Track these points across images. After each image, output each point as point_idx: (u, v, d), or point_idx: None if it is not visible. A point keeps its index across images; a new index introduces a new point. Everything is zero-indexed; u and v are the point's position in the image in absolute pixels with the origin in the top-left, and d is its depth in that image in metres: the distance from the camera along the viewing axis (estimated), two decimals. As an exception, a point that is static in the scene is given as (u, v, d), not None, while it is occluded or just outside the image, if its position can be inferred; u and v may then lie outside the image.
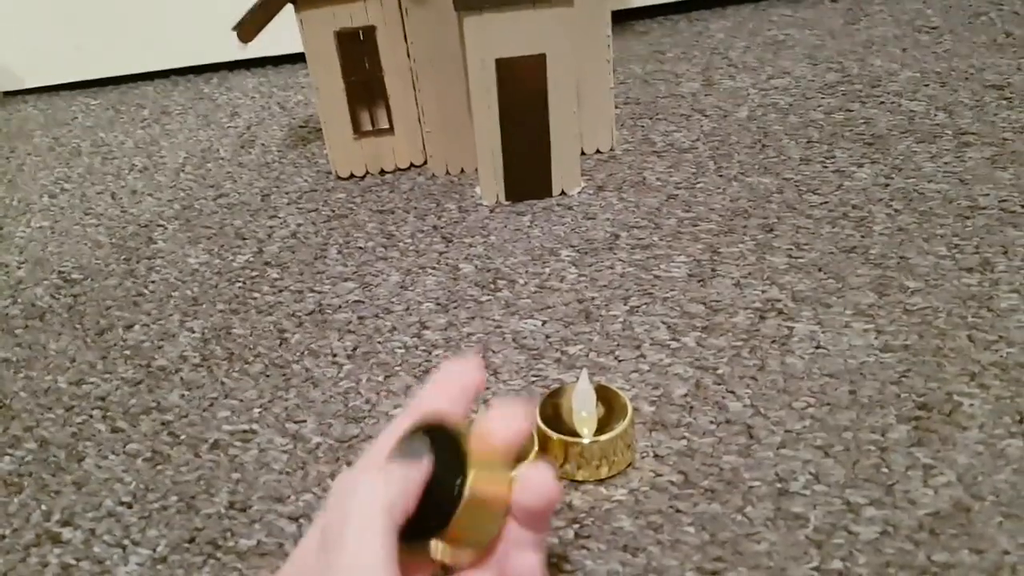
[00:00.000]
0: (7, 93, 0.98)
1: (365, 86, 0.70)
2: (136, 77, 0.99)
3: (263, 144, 0.80)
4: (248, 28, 0.65)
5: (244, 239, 0.65)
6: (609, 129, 0.72)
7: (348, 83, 0.69)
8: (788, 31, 0.92)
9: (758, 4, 1.00)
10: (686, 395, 0.46)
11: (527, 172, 0.66)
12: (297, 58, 0.99)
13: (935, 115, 0.70)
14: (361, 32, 0.67)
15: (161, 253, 0.65)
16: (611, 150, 0.72)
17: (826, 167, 0.66)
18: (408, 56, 0.68)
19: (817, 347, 0.48)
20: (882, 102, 0.74)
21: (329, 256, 0.62)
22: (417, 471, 0.26)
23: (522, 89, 0.62)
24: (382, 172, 0.73)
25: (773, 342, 0.49)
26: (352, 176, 0.73)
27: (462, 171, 0.72)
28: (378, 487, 0.25)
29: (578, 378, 0.42)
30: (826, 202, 0.61)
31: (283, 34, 0.69)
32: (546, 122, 0.64)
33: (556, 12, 0.60)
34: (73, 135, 0.87)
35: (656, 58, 0.90)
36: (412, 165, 0.73)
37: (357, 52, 0.68)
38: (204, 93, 0.94)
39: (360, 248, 0.63)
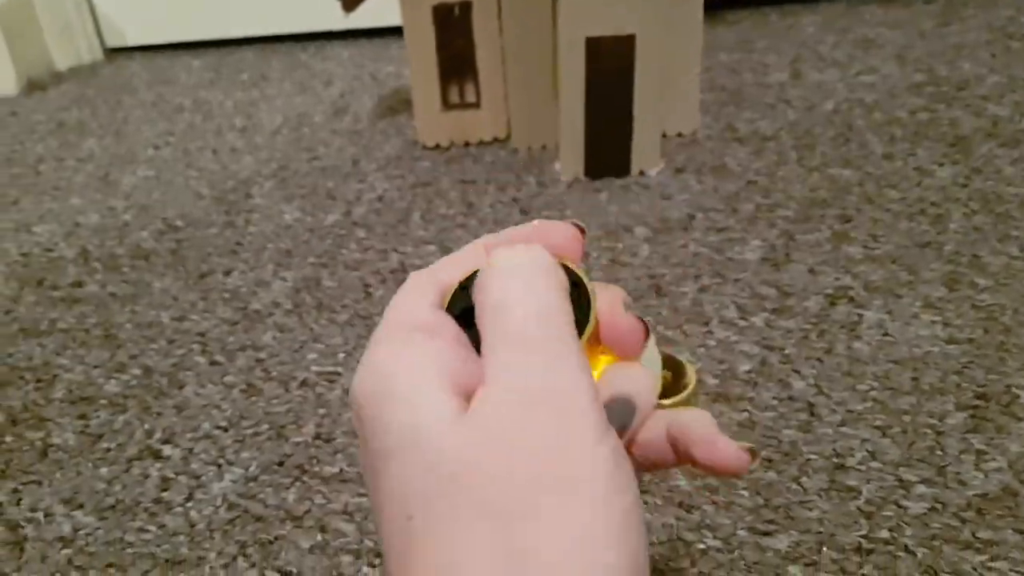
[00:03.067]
0: (113, 50, 1.03)
1: (456, 60, 0.72)
2: (237, 42, 1.03)
3: (355, 112, 0.84)
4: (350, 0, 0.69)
5: (334, 199, 0.69)
6: (692, 113, 0.73)
7: (441, 57, 0.71)
8: (879, 30, 0.91)
9: (851, 1, 1.00)
10: (751, 371, 0.48)
11: (607, 150, 0.68)
12: (390, 32, 1.03)
13: (1020, 120, 0.70)
14: (457, 8, 0.70)
15: (258, 207, 0.69)
16: (693, 134, 0.74)
17: (907, 164, 0.66)
18: (500, 34, 0.70)
19: (884, 335, 0.49)
20: (968, 105, 0.74)
21: (412, 220, 0.65)
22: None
23: (609, 68, 0.64)
24: (467, 144, 0.76)
25: (842, 327, 0.50)
26: (438, 147, 0.75)
27: (544, 148, 0.74)
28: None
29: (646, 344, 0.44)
30: (904, 198, 0.62)
31: (379, 7, 0.72)
32: (630, 102, 0.66)
33: (650, -3, 0.62)
34: (176, 92, 0.92)
35: (744, 48, 0.91)
36: (496, 139, 0.76)
37: (452, 27, 0.71)
38: (301, 61, 0.98)
39: (441, 215, 0.66)
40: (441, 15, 0.70)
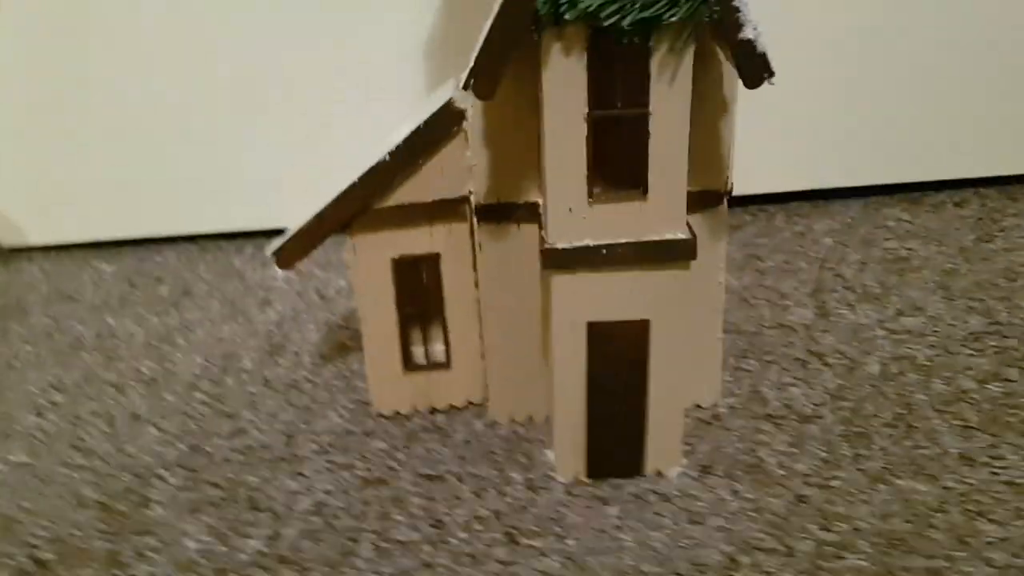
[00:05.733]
0: (12, 250, 0.87)
1: (420, 313, 0.58)
2: (159, 241, 0.88)
3: (295, 352, 0.68)
4: (288, 256, 0.54)
5: (258, 510, 0.52)
6: (713, 384, 0.59)
7: (401, 315, 0.57)
8: (910, 245, 0.79)
9: (867, 201, 0.88)
10: None
11: (615, 447, 0.53)
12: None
13: (1125, 403, 0.56)
14: (422, 260, 0.56)
15: (155, 527, 0.52)
16: (714, 407, 0.59)
17: (995, 474, 0.52)
18: (475, 287, 0.56)
19: None
20: (1045, 370, 0.61)
21: (360, 554, 0.49)
22: None
23: (617, 356, 0.50)
24: (433, 411, 0.60)
25: None
26: (397, 414, 0.60)
27: (530, 419, 0.59)
28: None
29: None
30: (1006, 538, 0.47)
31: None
32: (643, 393, 0.51)
33: (666, 275, 0.47)
34: (77, 315, 0.76)
35: (754, 266, 0.77)
36: (469, 403, 0.61)
37: (414, 279, 0.56)
38: (234, 268, 0.82)
39: (399, 543, 0.49)
40: (402, 268, 0.56)
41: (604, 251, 0.46)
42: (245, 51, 0.78)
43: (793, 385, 0.61)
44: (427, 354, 0.59)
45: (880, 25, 0.79)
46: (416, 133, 0.51)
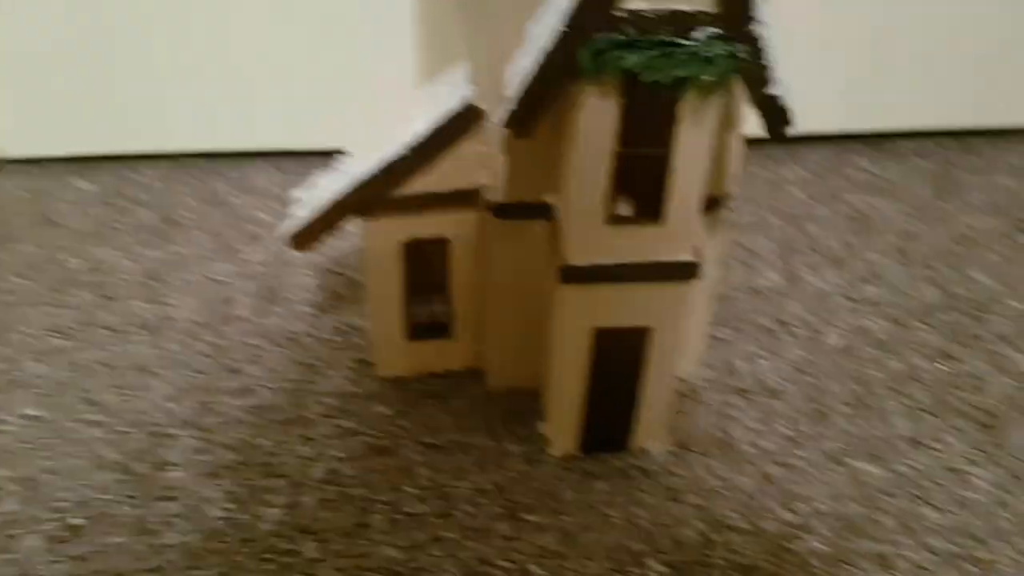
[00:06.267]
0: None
1: (424, 287, 0.60)
2: (138, 158, 0.86)
3: (289, 298, 0.70)
4: (304, 240, 0.55)
5: (274, 476, 0.56)
6: (695, 360, 0.64)
7: (407, 290, 0.59)
8: (873, 200, 0.83)
9: (835, 148, 0.91)
10: None
11: (606, 427, 0.58)
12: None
13: (1053, 390, 0.63)
14: (430, 242, 0.58)
15: (176, 490, 0.55)
16: (692, 378, 0.64)
17: (939, 459, 0.59)
18: (480, 270, 0.58)
19: None
20: (989, 348, 0.67)
21: (373, 524, 0.54)
22: None
23: (618, 354, 0.54)
24: (432, 375, 0.64)
25: None
26: (398, 379, 0.63)
27: (525, 389, 0.63)
28: None
29: None
30: (944, 525, 0.54)
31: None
32: (639, 384, 0.56)
33: (672, 289, 0.51)
34: (64, 245, 0.75)
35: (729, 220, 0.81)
36: (467, 368, 0.64)
37: (421, 258, 0.58)
38: (217, 195, 0.82)
39: (409, 515, 0.54)
40: (411, 248, 0.58)
41: (617, 269, 0.49)
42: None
43: (762, 357, 0.66)
44: (430, 324, 0.62)
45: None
46: (435, 131, 0.52)
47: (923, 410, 0.62)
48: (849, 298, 0.72)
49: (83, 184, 0.82)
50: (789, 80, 0.43)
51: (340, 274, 0.72)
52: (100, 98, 0.80)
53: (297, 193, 0.58)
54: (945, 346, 0.67)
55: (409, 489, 0.56)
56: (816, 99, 0.87)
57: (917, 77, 0.87)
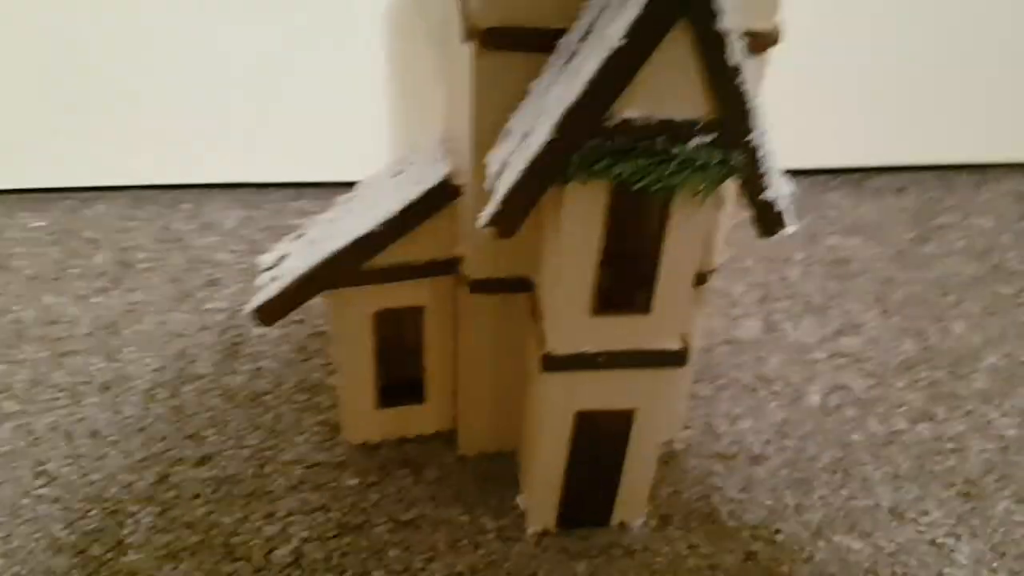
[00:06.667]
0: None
1: (397, 354, 0.58)
2: (87, 189, 0.82)
3: (252, 352, 0.67)
4: (270, 315, 0.52)
5: (237, 560, 0.54)
6: (675, 419, 0.62)
7: (378, 357, 0.57)
8: (851, 242, 0.82)
9: (813, 182, 0.90)
10: None
11: (586, 502, 0.56)
12: (299, 186, 0.84)
13: (1035, 460, 0.63)
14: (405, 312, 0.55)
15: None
16: (672, 442, 0.63)
17: (920, 532, 0.58)
18: (455, 337, 0.56)
19: None
20: (969, 411, 0.66)
21: (346, 613, 0.51)
22: None
23: (600, 434, 0.52)
24: (402, 440, 0.61)
25: None
26: (366, 444, 0.61)
27: (499, 454, 0.61)
28: None
29: None
30: (929, 607, 0.53)
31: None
32: (621, 460, 0.54)
33: (658, 374, 0.49)
34: (13, 292, 0.71)
35: (706, 260, 0.79)
36: (438, 433, 0.62)
37: (394, 322, 0.56)
38: (172, 233, 0.78)
39: (383, 602, 0.52)
40: (383, 319, 0.55)
41: (601, 357, 0.47)
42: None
43: (743, 418, 0.65)
44: (401, 390, 0.59)
45: (833, 12, 0.79)
46: (411, 206, 0.49)
47: (904, 477, 0.61)
48: (829, 351, 0.70)
49: (34, 221, 0.78)
50: (783, 184, 0.41)
51: (301, 322, 0.70)
52: (53, 129, 0.76)
53: (264, 259, 0.55)
54: (925, 406, 0.66)
55: (378, 574, 0.53)
56: (795, 134, 0.86)
57: (896, 113, 0.86)
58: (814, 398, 0.66)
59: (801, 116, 0.84)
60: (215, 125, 0.77)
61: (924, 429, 0.64)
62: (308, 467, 0.59)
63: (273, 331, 0.69)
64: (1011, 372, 0.69)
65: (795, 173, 0.89)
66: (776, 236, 0.42)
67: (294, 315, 0.67)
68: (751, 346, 0.71)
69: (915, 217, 0.86)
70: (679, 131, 0.37)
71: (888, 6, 0.79)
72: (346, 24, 0.74)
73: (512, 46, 0.42)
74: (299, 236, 0.55)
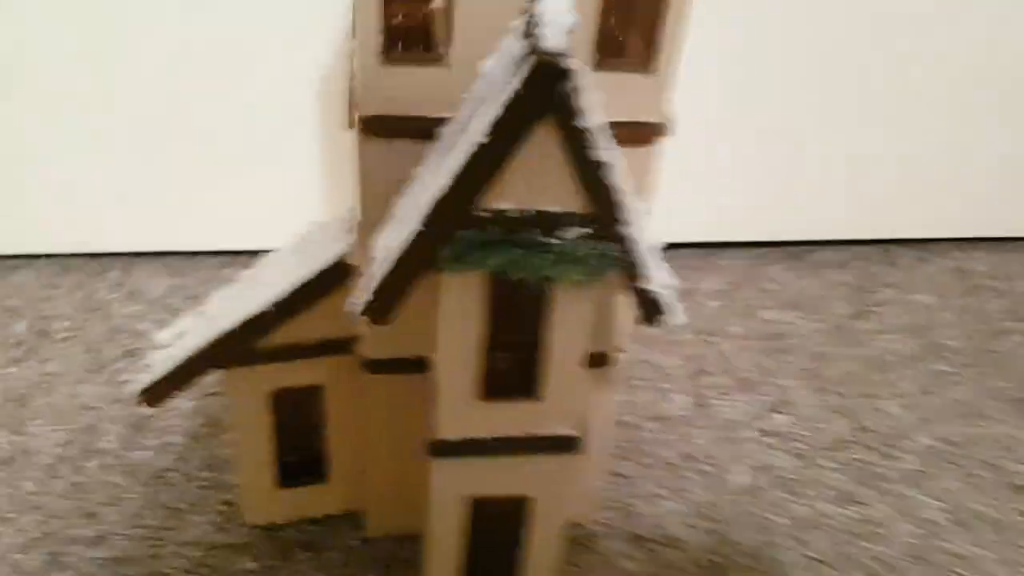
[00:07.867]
0: None
1: (297, 434, 0.56)
2: (15, 256, 0.81)
3: (160, 426, 0.65)
4: (157, 395, 0.50)
5: (121, 650, 0.51)
6: (594, 500, 0.60)
7: (277, 437, 0.55)
8: (788, 316, 0.81)
9: (754, 255, 0.89)
10: None
11: (489, 592, 0.54)
12: (223, 253, 0.83)
13: (958, 538, 0.61)
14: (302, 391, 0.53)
15: (8, 670, 0.50)
16: (590, 523, 0.61)
17: (839, 628, 0.56)
18: (357, 415, 0.54)
19: None
20: (895, 491, 0.65)
21: None
22: None
23: (497, 522, 0.50)
24: (305, 521, 0.59)
25: None
26: (271, 525, 0.59)
27: (407, 536, 0.59)
28: None
29: None
30: None
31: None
32: (521, 548, 0.52)
33: (553, 461, 0.47)
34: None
35: (641, 336, 0.78)
36: (346, 512, 0.60)
37: (292, 400, 0.54)
38: (95, 301, 0.77)
39: None
40: (281, 397, 0.53)
41: (492, 443, 0.46)
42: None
43: (664, 499, 0.63)
44: (303, 469, 0.57)
45: (774, 81, 0.79)
46: (304, 286, 0.48)
47: (823, 562, 0.59)
48: (758, 429, 0.69)
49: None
50: (663, 276, 0.41)
51: (217, 395, 0.68)
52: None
53: (161, 337, 0.53)
54: (851, 488, 0.65)
55: (270, 667, 0.51)
56: (739, 208, 0.86)
57: (842, 187, 0.86)
58: (741, 478, 0.65)
59: (744, 189, 0.84)
60: (145, 193, 0.77)
61: (848, 511, 0.63)
62: (208, 549, 0.57)
63: (186, 403, 0.67)
64: (942, 454, 0.68)
65: (738, 246, 0.90)
66: (659, 325, 0.41)
67: (209, 387, 0.66)
68: (679, 423, 0.69)
69: (855, 292, 0.85)
70: (554, 223, 0.37)
71: (828, 83, 0.80)
72: (279, 97, 0.73)
73: (395, 133, 0.42)
74: (200, 313, 0.53)
